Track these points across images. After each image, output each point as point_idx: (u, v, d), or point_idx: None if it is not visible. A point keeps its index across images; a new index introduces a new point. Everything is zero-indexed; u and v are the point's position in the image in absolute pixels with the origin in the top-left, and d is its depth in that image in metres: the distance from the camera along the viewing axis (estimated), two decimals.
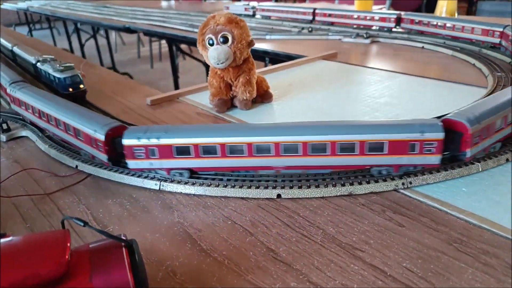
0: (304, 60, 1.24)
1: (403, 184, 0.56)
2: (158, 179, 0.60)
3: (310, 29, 1.69)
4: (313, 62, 1.25)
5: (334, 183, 0.56)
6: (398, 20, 1.54)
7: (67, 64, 0.96)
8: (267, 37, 1.65)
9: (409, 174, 0.57)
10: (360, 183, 0.56)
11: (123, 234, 0.37)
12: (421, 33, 1.46)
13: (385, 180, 0.56)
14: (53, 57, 1.09)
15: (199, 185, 0.58)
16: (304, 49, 1.43)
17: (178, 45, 2.60)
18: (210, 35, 0.80)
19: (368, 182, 0.56)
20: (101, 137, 0.59)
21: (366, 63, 1.22)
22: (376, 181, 0.56)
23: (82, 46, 3.98)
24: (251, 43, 0.82)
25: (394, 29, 1.55)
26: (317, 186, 0.56)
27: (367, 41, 1.48)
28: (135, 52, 5.58)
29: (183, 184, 0.58)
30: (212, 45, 0.80)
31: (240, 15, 2.38)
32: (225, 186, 0.57)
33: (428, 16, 1.52)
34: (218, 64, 0.80)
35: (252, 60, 0.86)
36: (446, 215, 0.50)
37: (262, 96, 0.91)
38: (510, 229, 0.46)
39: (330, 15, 1.78)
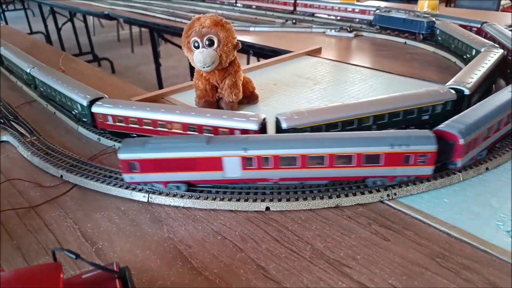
0: (289, 56, 1.23)
1: (388, 195, 0.57)
2: (146, 191, 0.59)
3: (294, 21, 1.67)
4: (298, 58, 1.25)
5: (321, 195, 0.57)
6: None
7: None
8: (251, 29, 1.63)
9: (393, 185, 0.58)
10: (346, 195, 0.57)
11: (115, 262, 0.37)
12: (313, 14, 1.80)
13: (370, 192, 0.57)
14: None
15: (188, 197, 0.58)
16: (288, 43, 1.43)
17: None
18: (196, 38, 0.79)
19: (354, 194, 0.57)
20: (430, 147, 0.54)
21: (350, 60, 1.23)
22: (362, 193, 0.57)
23: (59, 30, 3.85)
24: (237, 46, 0.82)
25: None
26: (305, 199, 0.57)
27: (351, 35, 1.49)
28: (114, 35, 5.43)
29: (172, 197, 0.58)
30: (197, 47, 0.79)
31: None
32: (214, 199, 0.57)
33: (320, 0, 1.79)
34: (204, 67, 0.79)
35: (238, 62, 0.86)
36: (429, 228, 0.52)
37: (248, 98, 0.91)
38: (489, 243, 0.48)
39: None
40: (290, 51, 1.29)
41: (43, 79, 0.91)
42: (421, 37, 1.34)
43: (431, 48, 1.28)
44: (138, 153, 0.56)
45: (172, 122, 0.68)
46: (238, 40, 0.83)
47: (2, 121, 0.83)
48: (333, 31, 1.53)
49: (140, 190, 0.60)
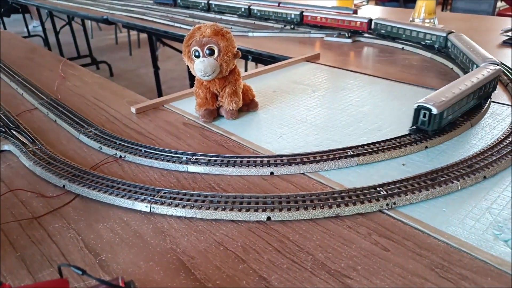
0: (287, 63, 1.24)
1: (387, 205, 0.58)
2: (149, 201, 0.60)
3: (292, 26, 1.68)
4: (296, 64, 1.25)
5: (321, 205, 0.58)
6: None
7: None
8: (250, 34, 1.64)
9: (393, 194, 0.59)
10: (346, 205, 0.58)
11: (121, 277, 0.38)
12: None
13: (370, 201, 0.58)
14: None
15: (190, 207, 0.59)
16: (287, 48, 1.44)
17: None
18: (196, 47, 0.79)
19: (354, 204, 0.58)
20: None
21: (349, 66, 1.24)
22: (362, 202, 0.58)
23: (57, 33, 3.85)
24: (237, 55, 0.82)
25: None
26: (306, 208, 0.57)
27: (349, 40, 1.50)
28: (112, 38, 5.45)
29: (174, 207, 0.59)
30: (198, 57, 0.80)
31: None
32: (216, 209, 0.58)
33: None
34: (204, 76, 0.80)
35: (238, 71, 0.86)
36: (428, 238, 0.52)
37: (248, 105, 0.91)
38: (488, 252, 0.49)
39: None
40: (288, 57, 1.30)
41: None
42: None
43: (428, 54, 1.29)
44: None
45: None
46: (237, 48, 0.83)
47: (3, 129, 0.83)
48: (331, 37, 1.54)
49: (142, 200, 0.60)
